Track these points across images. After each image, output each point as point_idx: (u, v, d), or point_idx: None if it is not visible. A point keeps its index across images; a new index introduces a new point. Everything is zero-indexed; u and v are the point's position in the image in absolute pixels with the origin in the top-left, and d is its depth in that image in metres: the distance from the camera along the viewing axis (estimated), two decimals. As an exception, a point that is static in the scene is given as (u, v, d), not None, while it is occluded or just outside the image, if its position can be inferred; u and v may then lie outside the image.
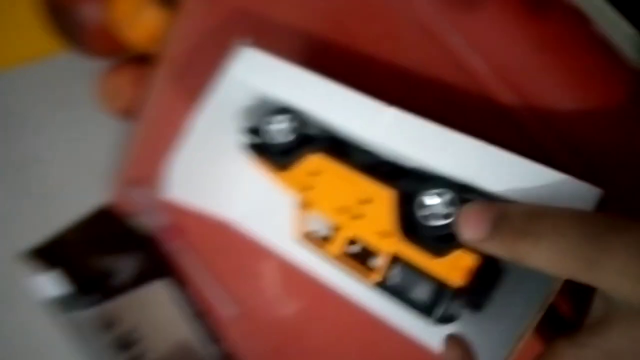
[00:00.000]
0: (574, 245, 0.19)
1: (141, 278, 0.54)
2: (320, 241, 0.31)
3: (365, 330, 0.34)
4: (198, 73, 0.47)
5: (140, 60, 0.71)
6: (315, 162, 0.32)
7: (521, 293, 0.28)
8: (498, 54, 0.34)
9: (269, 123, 0.34)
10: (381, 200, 0.28)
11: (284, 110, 0.34)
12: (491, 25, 0.34)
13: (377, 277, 0.28)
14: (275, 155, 0.34)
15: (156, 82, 0.53)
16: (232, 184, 0.40)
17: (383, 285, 0.28)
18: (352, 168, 0.31)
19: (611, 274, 0.19)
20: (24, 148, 0.83)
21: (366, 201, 0.29)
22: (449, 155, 0.25)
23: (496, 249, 0.21)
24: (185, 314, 0.56)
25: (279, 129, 0.34)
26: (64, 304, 0.51)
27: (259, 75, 0.33)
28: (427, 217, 0.26)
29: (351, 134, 0.31)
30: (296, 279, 0.46)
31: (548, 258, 0.19)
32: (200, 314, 0.56)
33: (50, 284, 0.51)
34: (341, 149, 0.33)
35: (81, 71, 0.82)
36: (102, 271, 0.53)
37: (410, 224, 0.27)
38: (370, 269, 0.28)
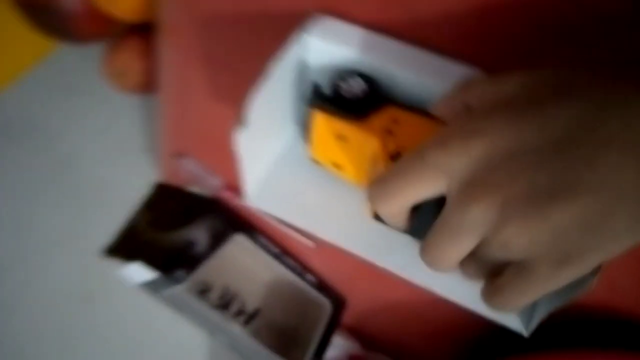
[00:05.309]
0: None
1: (217, 239, 0.55)
2: None
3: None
4: (209, 35, 0.46)
5: (136, 32, 0.69)
6: (392, 111, 0.36)
7: None
8: None
9: (342, 81, 0.37)
10: None
11: (351, 71, 0.37)
12: None
13: None
14: (349, 109, 0.37)
15: (165, 51, 0.51)
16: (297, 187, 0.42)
17: None
18: (426, 117, 0.35)
19: None
20: (58, 150, 0.84)
21: None
22: None
23: None
24: (269, 257, 0.58)
25: (352, 86, 0.37)
26: (156, 286, 0.54)
27: (334, 42, 0.37)
28: None
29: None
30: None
31: None
32: (282, 253, 0.58)
33: (136, 273, 0.53)
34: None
35: (82, 59, 0.81)
36: (181, 244, 0.54)
37: None
38: None
